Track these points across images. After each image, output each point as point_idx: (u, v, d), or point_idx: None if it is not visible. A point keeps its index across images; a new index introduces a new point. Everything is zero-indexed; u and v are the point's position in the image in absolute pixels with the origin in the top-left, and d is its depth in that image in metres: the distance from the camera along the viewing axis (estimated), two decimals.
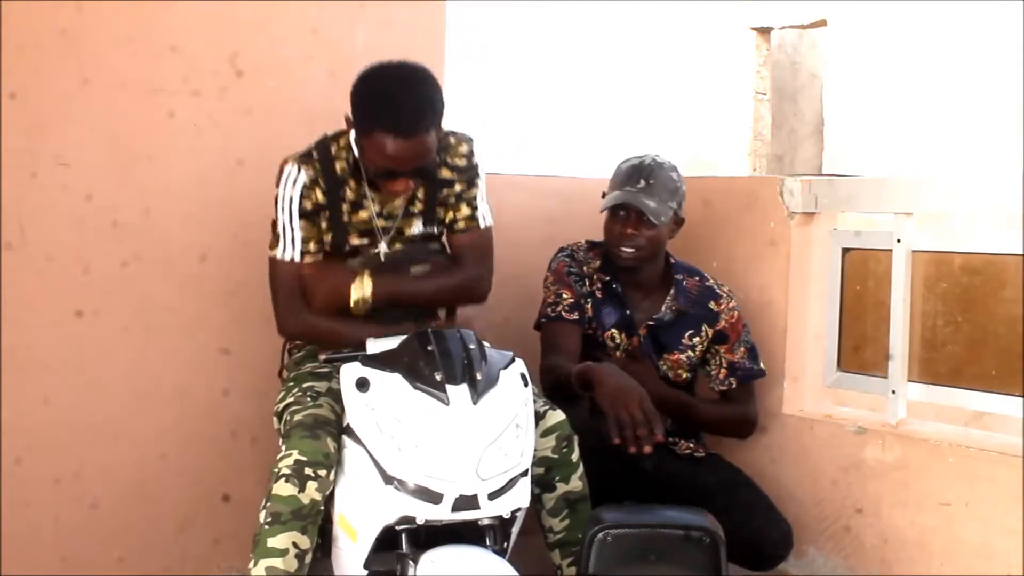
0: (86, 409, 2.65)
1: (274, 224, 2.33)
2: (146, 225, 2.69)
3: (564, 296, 2.72)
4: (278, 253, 2.31)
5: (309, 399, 2.21)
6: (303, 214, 2.29)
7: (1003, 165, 7.14)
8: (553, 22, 9.99)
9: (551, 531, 2.33)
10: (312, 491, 2.07)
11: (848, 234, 3.02)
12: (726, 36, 9.71)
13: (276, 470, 2.08)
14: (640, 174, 2.68)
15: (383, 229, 2.37)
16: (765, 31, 9.71)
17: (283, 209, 2.29)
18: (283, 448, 2.12)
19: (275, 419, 2.28)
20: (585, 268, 2.77)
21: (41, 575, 2.58)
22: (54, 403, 2.61)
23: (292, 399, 2.24)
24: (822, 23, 9.25)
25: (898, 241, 2.79)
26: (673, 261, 2.83)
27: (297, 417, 2.16)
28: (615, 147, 9.21)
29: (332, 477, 2.11)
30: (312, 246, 2.32)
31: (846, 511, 2.85)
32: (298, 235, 2.29)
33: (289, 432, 2.14)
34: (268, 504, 2.07)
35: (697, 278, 2.83)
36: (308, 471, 2.07)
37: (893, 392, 2.80)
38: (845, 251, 3.01)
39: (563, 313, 2.70)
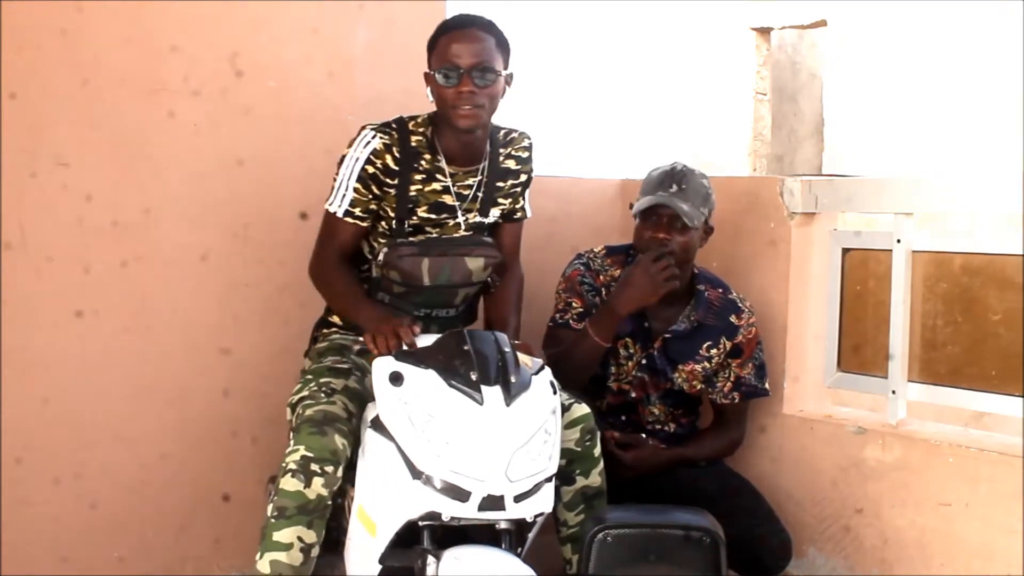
0: (86, 409, 2.65)
1: (335, 180, 2.39)
2: (146, 225, 2.69)
3: (574, 305, 2.70)
4: (327, 203, 2.39)
5: (323, 395, 2.22)
6: (362, 178, 2.34)
7: (1003, 165, 7.14)
8: (553, 23, 9.99)
9: (565, 524, 2.34)
10: (318, 487, 2.08)
11: (848, 234, 3.01)
12: (726, 36, 9.71)
13: (284, 464, 2.11)
14: (672, 179, 2.64)
15: (460, 208, 2.42)
16: (765, 31, 9.72)
17: (347, 166, 2.35)
18: (291, 443, 2.14)
19: (288, 410, 2.28)
20: (602, 277, 2.73)
21: (41, 575, 2.58)
22: (54, 403, 2.61)
23: (307, 392, 2.24)
24: (822, 23, 9.25)
25: (898, 241, 2.79)
26: (697, 271, 2.78)
27: (308, 412, 2.17)
28: (615, 147, 9.23)
29: (340, 474, 2.12)
30: (358, 211, 2.36)
31: (846, 511, 2.85)
32: (349, 195, 2.35)
33: (298, 427, 2.15)
34: (275, 498, 2.10)
35: (720, 290, 2.78)
36: (314, 467, 2.08)
37: (893, 392, 2.80)
38: (845, 251, 3.01)
39: (570, 321, 2.69)
